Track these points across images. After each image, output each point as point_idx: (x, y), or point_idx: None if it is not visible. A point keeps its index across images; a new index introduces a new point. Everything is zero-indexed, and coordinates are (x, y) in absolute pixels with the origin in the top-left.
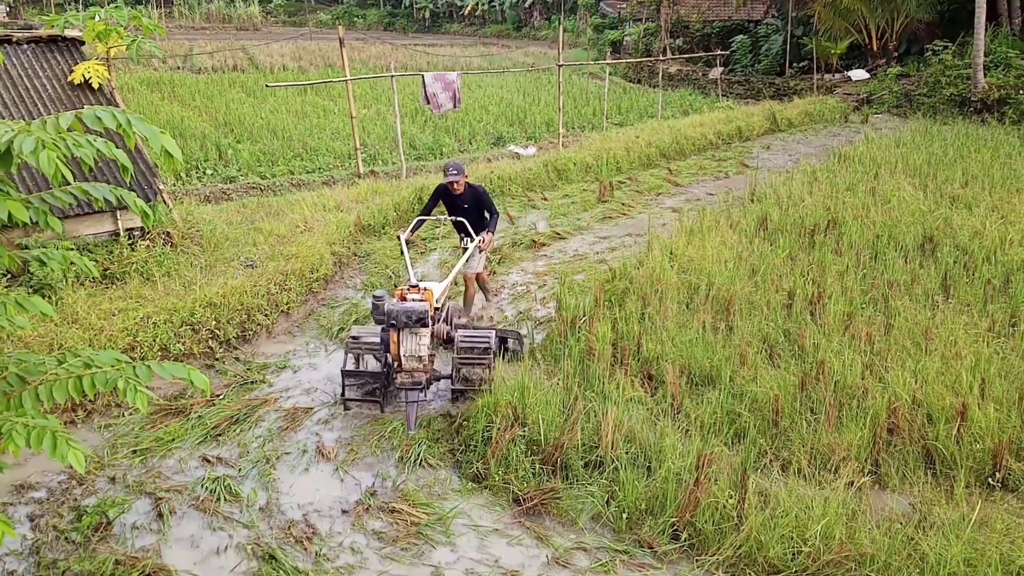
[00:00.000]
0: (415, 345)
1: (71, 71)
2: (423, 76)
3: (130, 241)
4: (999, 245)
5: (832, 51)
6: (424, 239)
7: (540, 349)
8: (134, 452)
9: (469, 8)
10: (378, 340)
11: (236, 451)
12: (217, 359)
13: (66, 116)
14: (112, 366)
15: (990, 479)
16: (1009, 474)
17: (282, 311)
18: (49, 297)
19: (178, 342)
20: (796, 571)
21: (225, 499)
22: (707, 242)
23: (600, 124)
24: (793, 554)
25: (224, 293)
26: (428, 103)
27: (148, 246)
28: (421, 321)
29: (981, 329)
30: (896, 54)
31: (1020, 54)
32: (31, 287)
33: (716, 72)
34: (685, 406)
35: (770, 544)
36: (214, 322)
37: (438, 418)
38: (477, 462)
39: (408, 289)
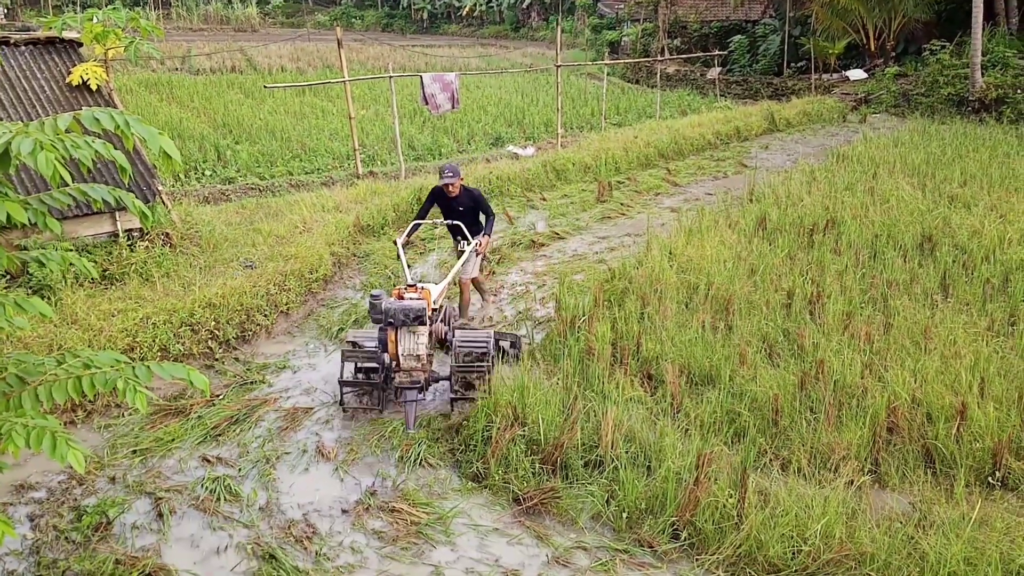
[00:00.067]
0: (413, 344)
1: (69, 73)
2: (421, 77)
3: (129, 242)
4: (998, 244)
5: (830, 51)
6: (423, 239)
7: (540, 349)
8: (134, 452)
9: (467, 9)
10: (375, 346)
11: (236, 451)
12: (216, 359)
13: (64, 117)
14: (111, 367)
15: (990, 478)
16: (1009, 473)
17: (281, 311)
18: (48, 298)
19: (177, 343)
20: (796, 570)
21: (225, 499)
22: (706, 242)
23: (598, 124)
24: (793, 553)
25: (223, 294)
26: (426, 104)
27: (147, 247)
28: (419, 319)
29: (980, 328)
30: (894, 54)
31: (1017, 53)
32: (30, 288)
33: (714, 72)
34: (685, 405)
35: (770, 543)
36: (213, 323)
37: (438, 417)
38: (477, 462)
39: (405, 289)
